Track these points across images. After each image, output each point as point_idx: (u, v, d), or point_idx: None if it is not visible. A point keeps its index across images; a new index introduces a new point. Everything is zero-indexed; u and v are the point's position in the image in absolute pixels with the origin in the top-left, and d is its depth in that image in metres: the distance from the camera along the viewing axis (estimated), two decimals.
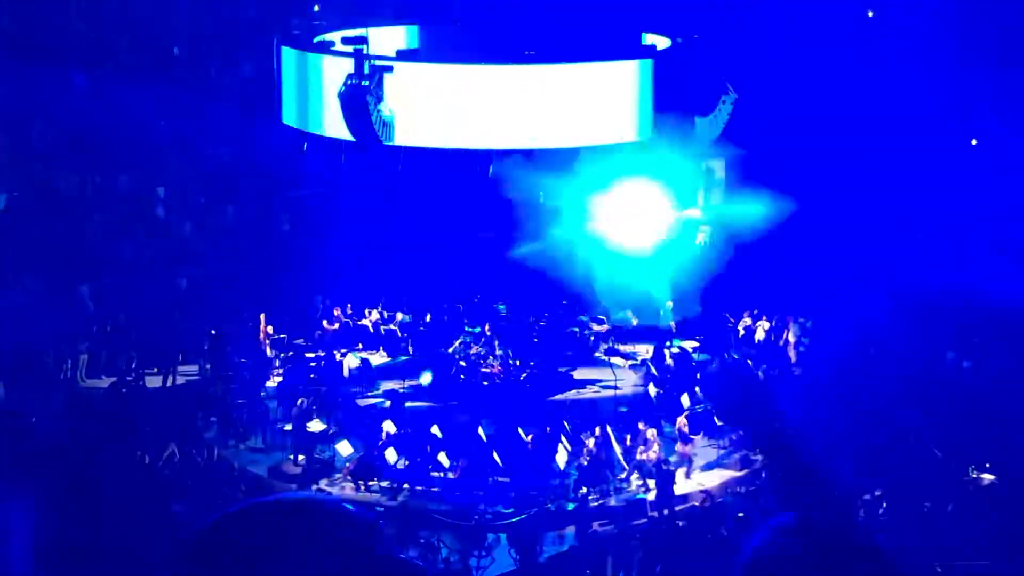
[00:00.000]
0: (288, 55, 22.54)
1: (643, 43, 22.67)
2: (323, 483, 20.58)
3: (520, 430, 21.35)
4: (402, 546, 18.15)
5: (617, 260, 27.31)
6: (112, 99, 28.24)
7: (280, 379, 24.45)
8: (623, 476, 20.61)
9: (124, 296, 27.52)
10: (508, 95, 20.44)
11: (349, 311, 27.49)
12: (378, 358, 26.41)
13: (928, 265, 27.04)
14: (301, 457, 21.34)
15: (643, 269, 27.61)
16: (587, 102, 20.83)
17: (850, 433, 22.46)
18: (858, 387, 24.03)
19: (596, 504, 19.75)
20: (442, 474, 20.52)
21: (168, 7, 30.29)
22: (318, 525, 1.97)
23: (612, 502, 19.95)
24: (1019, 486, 18.96)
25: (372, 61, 19.39)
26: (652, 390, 23.84)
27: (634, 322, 27.40)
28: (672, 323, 26.96)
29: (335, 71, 19.96)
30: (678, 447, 21.01)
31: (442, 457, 20.63)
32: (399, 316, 27.52)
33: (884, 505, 18.97)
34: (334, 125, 20.37)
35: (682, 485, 20.35)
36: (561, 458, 20.58)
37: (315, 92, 21.46)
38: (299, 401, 22.19)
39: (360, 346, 26.90)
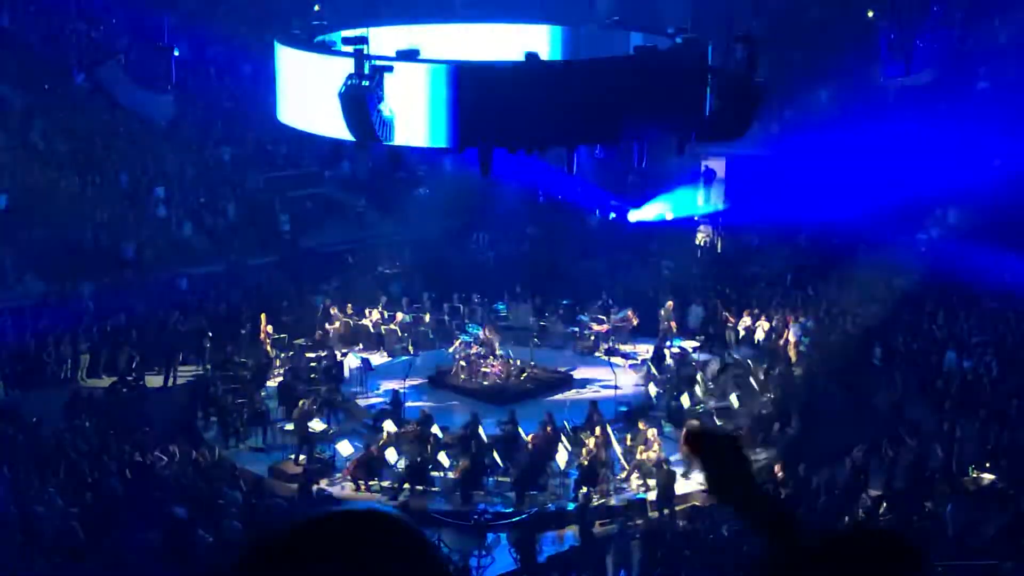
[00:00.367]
0: (286, 54, 22.50)
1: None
2: (323, 483, 20.57)
3: (520, 430, 21.35)
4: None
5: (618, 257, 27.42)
6: (112, 97, 28.26)
7: (280, 379, 24.45)
8: (623, 476, 20.60)
9: (124, 296, 27.54)
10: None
11: (349, 311, 27.51)
12: (378, 358, 26.44)
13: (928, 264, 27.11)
14: (302, 457, 21.33)
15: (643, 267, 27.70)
16: None
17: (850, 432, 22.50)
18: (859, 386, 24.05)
19: (596, 504, 19.73)
20: (442, 474, 20.52)
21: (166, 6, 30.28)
22: (388, 538, 1.99)
23: (612, 502, 19.94)
24: (1019, 486, 18.95)
25: (372, 61, 19.36)
26: (652, 390, 23.85)
27: (634, 322, 27.40)
28: (672, 323, 26.96)
29: (335, 71, 19.94)
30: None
31: (442, 457, 20.63)
32: (399, 316, 27.53)
33: (884, 505, 18.97)
34: (333, 124, 20.34)
35: (682, 485, 20.33)
36: (561, 458, 20.57)
37: (314, 91, 21.42)
38: (301, 403, 22.17)
39: (360, 346, 26.93)
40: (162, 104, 28.55)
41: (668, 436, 21.71)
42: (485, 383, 24.54)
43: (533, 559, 18.39)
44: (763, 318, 27.05)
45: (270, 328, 26.28)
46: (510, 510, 19.64)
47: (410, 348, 26.92)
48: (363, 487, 20.51)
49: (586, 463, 20.33)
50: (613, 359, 26.03)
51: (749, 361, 24.81)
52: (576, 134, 21.67)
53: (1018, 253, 25.26)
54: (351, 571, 1.93)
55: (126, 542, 16.72)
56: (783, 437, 22.16)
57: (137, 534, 16.89)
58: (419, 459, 20.52)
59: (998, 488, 19.29)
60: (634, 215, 30.80)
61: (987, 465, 20.24)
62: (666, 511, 19.52)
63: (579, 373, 25.68)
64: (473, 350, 25.21)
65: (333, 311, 27.19)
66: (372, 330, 27.25)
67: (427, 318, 27.61)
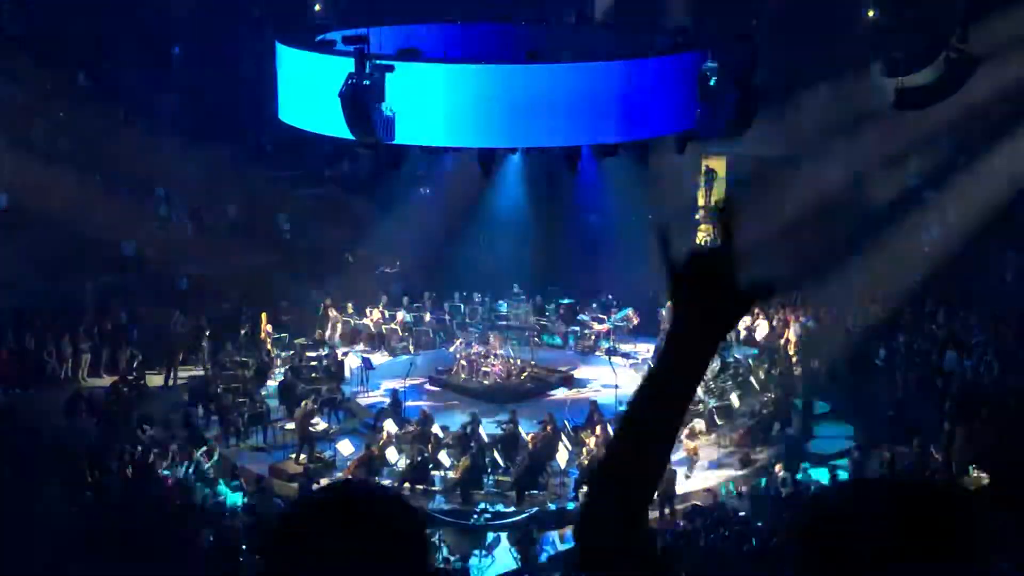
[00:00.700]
0: (286, 53, 22.53)
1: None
2: (324, 482, 20.56)
3: (520, 430, 21.34)
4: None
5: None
6: (112, 97, 28.25)
7: (280, 379, 24.46)
8: None
9: (124, 296, 27.56)
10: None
11: (350, 311, 27.51)
12: (379, 357, 26.46)
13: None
14: (303, 457, 21.32)
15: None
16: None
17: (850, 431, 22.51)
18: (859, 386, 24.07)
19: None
20: (442, 473, 20.52)
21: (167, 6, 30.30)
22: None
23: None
24: (1019, 486, 18.93)
25: (373, 60, 19.37)
26: None
27: (635, 321, 27.40)
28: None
29: (334, 70, 19.95)
30: (685, 442, 20.97)
31: (442, 456, 20.63)
32: (400, 315, 27.53)
33: None
34: (333, 124, 20.35)
35: (683, 484, 20.33)
36: (561, 458, 20.56)
37: (313, 90, 21.45)
38: (304, 403, 22.16)
39: (361, 345, 26.93)
40: (162, 103, 28.54)
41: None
42: (486, 382, 24.54)
43: (533, 559, 18.38)
44: (763, 317, 27.05)
45: (270, 328, 26.30)
46: (510, 509, 19.63)
47: (411, 347, 26.93)
48: None
49: (586, 462, 20.32)
50: (613, 358, 26.04)
51: (749, 360, 24.80)
52: (576, 134, 21.69)
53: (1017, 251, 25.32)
54: (347, 546, 2.06)
55: (126, 541, 16.72)
56: (783, 437, 22.16)
57: (136, 534, 16.89)
58: (419, 458, 20.51)
59: (998, 488, 19.28)
60: None
61: (987, 465, 20.23)
62: (666, 511, 19.51)
63: (580, 372, 25.68)
64: (474, 350, 25.22)
65: (332, 312, 27.18)
66: (373, 329, 27.26)
67: (427, 317, 27.61)
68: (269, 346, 25.86)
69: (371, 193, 30.47)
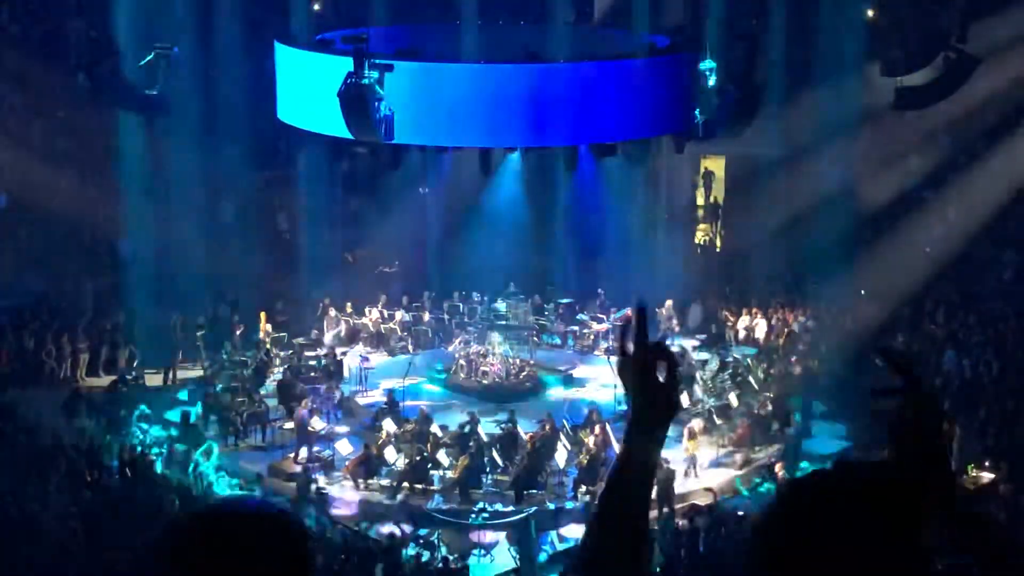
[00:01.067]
0: (286, 53, 22.55)
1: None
2: (322, 482, 20.57)
3: (519, 429, 21.34)
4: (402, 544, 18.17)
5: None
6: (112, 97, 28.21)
7: (280, 378, 24.45)
8: None
9: (123, 295, 27.55)
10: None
11: (349, 310, 27.50)
12: (378, 357, 26.45)
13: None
14: (301, 456, 21.32)
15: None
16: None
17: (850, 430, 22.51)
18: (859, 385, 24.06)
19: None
20: (441, 472, 20.51)
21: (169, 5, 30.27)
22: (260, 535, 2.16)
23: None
24: (1020, 485, 18.94)
25: (372, 60, 19.38)
26: None
27: None
28: (674, 322, 26.96)
29: (333, 70, 19.96)
30: (686, 444, 20.96)
31: (441, 456, 20.62)
32: (399, 315, 27.52)
33: None
34: (333, 123, 20.36)
35: (683, 484, 20.33)
36: (561, 457, 20.56)
37: (313, 90, 21.46)
38: (304, 402, 22.18)
39: (360, 345, 26.91)
40: (162, 103, 28.47)
41: (667, 435, 21.69)
42: (484, 382, 24.54)
43: (533, 559, 18.38)
44: (762, 316, 27.07)
45: (269, 327, 26.29)
46: (509, 509, 19.63)
47: (410, 347, 26.93)
48: (362, 486, 20.50)
49: (585, 462, 20.32)
50: (612, 358, 26.03)
51: (749, 360, 24.80)
52: (575, 134, 21.70)
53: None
54: (218, 569, 2.09)
55: (124, 542, 16.72)
56: (783, 437, 22.16)
57: (136, 533, 16.88)
58: (418, 458, 20.51)
59: (998, 487, 19.28)
60: None
61: (987, 464, 20.24)
62: (665, 510, 19.50)
63: (579, 372, 25.67)
64: (473, 349, 25.22)
65: (332, 311, 27.16)
66: (372, 329, 27.25)
67: (426, 317, 27.61)
68: (268, 345, 25.87)
69: (371, 192, 30.46)
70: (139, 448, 21.12)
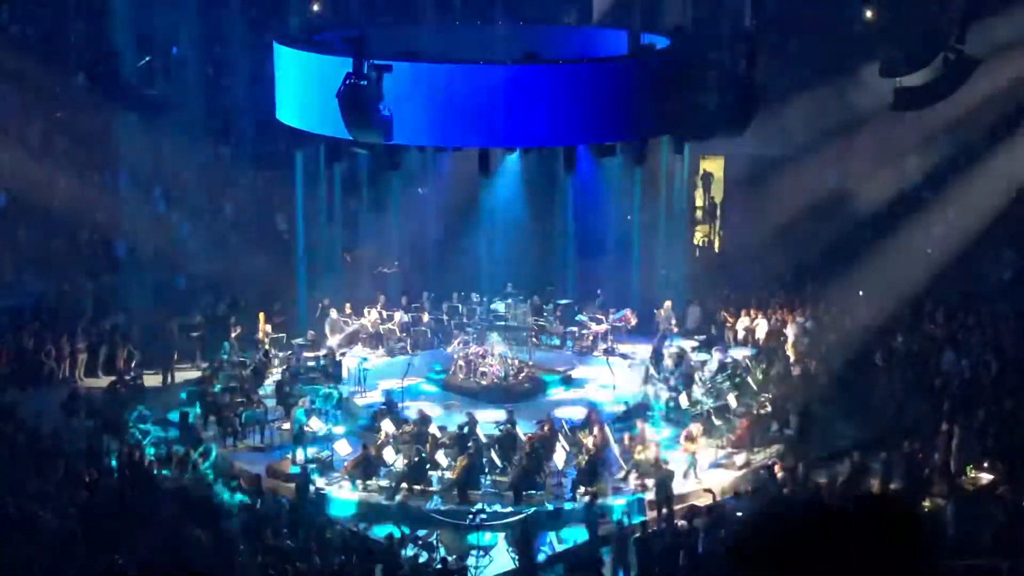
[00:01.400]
0: (285, 54, 22.55)
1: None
2: (321, 482, 20.54)
3: (518, 430, 21.32)
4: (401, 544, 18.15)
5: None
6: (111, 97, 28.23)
7: (279, 378, 24.44)
8: (622, 475, 20.58)
9: (122, 295, 27.55)
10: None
11: (349, 311, 27.49)
12: (377, 357, 26.44)
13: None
14: (300, 456, 21.31)
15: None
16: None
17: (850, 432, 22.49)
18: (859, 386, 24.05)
19: (595, 503, 19.68)
20: (440, 473, 20.49)
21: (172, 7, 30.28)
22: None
23: (611, 501, 19.90)
24: (1019, 486, 18.93)
25: (371, 60, 19.37)
26: (650, 390, 23.83)
27: (633, 322, 27.37)
28: (673, 323, 26.95)
29: (332, 70, 19.95)
30: (684, 444, 20.93)
31: (440, 456, 20.61)
32: (397, 316, 27.50)
33: None
34: (332, 124, 20.36)
35: (682, 484, 20.32)
36: (559, 458, 20.54)
37: (312, 91, 21.46)
38: (300, 402, 22.18)
39: (359, 345, 26.90)
40: (162, 103, 28.50)
41: (667, 437, 21.73)
42: (483, 382, 24.52)
43: (532, 559, 18.37)
44: (762, 317, 27.06)
45: (268, 327, 26.28)
46: (508, 509, 19.61)
47: (409, 348, 26.92)
48: (361, 486, 20.48)
49: (584, 463, 20.31)
50: (611, 359, 26.03)
51: (748, 361, 24.79)
52: (575, 134, 21.69)
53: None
54: None
55: (124, 540, 16.71)
56: (783, 437, 22.14)
57: (136, 533, 16.88)
58: (417, 458, 20.49)
59: (997, 488, 19.27)
60: None
61: (985, 465, 20.23)
62: (664, 510, 19.50)
63: (577, 373, 25.66)
64: (472, 350, 25.20)
65: (331, 312, 27.14)
66: (371, 329, 27.24)
67: (425, 318, 27.60)
68: (267, 346, 25.86)
69: (370, 192, 30.44)
70: (138, 449, 21.08)
